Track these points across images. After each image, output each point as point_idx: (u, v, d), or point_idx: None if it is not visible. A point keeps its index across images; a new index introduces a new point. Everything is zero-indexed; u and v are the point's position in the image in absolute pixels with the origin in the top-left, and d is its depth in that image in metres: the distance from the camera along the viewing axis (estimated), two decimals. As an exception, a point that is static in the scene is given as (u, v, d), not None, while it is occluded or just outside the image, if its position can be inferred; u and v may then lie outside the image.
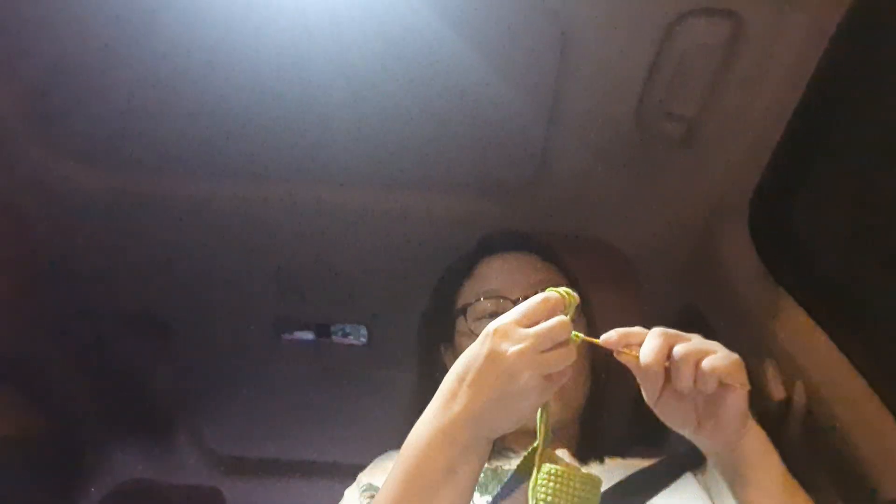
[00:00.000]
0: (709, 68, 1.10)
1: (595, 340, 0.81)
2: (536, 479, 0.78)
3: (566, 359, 0.78)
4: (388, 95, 1.23)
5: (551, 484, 0.77)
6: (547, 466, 0.78)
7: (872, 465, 1.05)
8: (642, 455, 1.14)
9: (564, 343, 0.78)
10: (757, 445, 0.83)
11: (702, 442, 0.84)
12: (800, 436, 1.19)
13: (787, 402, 1.20)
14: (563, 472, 0.78)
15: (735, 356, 0.79)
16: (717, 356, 0.77)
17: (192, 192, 1.46)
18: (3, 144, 1.36)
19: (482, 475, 1.05)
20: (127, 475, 2.06)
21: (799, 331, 1.20)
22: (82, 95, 1.27)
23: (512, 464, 1.10)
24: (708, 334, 1.40)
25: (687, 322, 1.46)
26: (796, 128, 1.15)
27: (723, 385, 0.77)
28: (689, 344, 0.78)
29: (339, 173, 1.40)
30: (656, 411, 0.83)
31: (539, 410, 0.83)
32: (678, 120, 1.19)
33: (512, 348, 0.77)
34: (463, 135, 1.30)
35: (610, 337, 0.80)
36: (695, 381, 0.76)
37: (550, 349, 0.77)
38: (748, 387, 0.79)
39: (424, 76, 1.19)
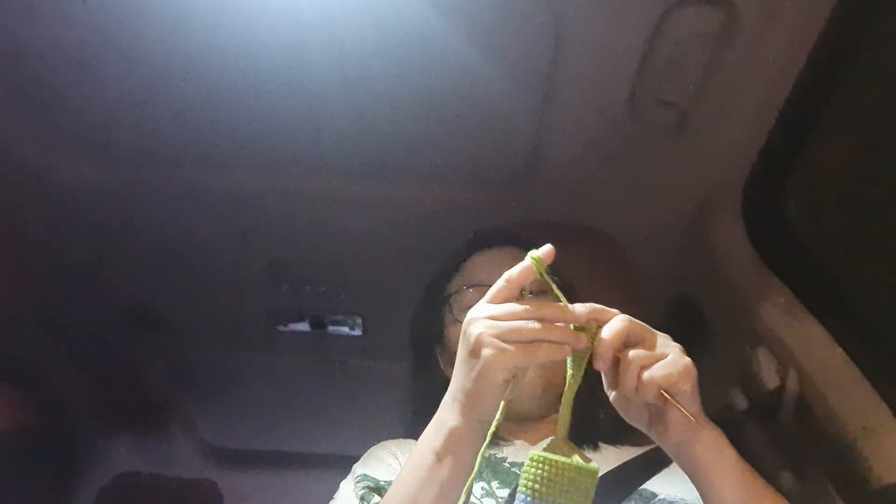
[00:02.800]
0: (702, 57, 1.10)
1: (568, 304, 0.78)
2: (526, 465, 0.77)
3: (529, 330, 0.75)
4: (382, 86, 1.23)
5: (534, 470, 0.76)
6: (532, 453, 0.76)
7: (864, 451, 1.05)
8: (635, 442, 1.15)
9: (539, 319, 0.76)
10: (709, 452, 0.81)
11: (658, 440, 0.83)
12: (791, 422, 1.20)
13: (780, 389, 1.21)
14: (548, 459, 0.76)
15: (684, 364, 0.77)
16: (660, 366, 0.76)
17: (187, 184, 1.45)
18: (-3, 139, 1.35)
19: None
20: (122, 468, 2.07)
21: (792, 318, 1.20)
22: (76, 89, 1.26)
23: (504, 451, 1.10)
24: (701, 322, 1.41)
25: (680, 309, 1.47)
26: (789, 116, 1.15)
27: (665, 396, 0.76)
28: (639, 350, 0.77)
29: (334, 164, 1.40)
30: (614, 404, 0.83)
31: (563, 400, 0.80)
32: (671, 108, 1.19)
33: (467, 318, 0.78)
34: (457, 124, 1.30)
35: (580, 310, 0.78)
36: (637, 388, 0.76)
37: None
38: (692, 401, 0.77)
39: (418, 66, 1.19)
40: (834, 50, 1.07)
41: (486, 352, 0.75)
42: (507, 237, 1.29)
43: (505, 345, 0.75)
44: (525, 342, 0.76)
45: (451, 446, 0.80)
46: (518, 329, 0.76)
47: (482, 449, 0.80)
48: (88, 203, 1.50)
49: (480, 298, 1.16)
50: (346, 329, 1.88)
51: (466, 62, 1.16)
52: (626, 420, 0.83)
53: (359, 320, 1.85)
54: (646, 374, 0.75)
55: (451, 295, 1.21)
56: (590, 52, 1.13)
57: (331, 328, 1.88)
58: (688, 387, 0.76)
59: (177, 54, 1.18)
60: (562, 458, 0.76)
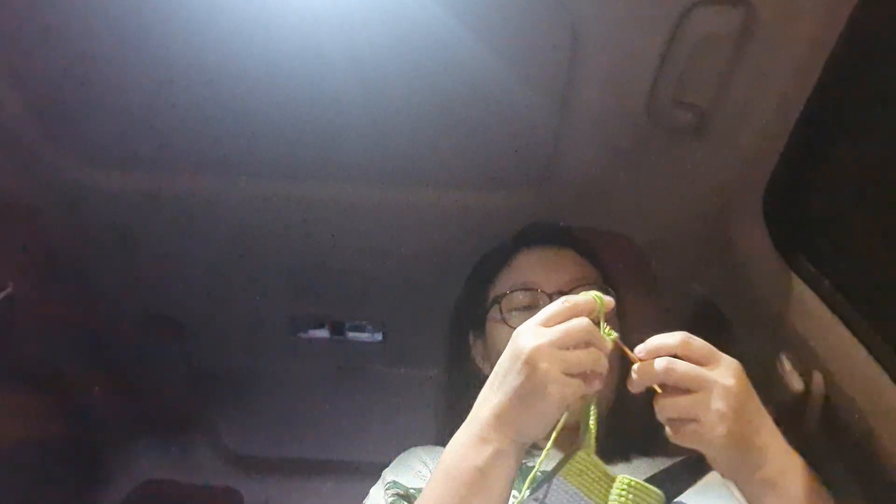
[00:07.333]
0: (721, 58, 1.09)
1: (630, 354, 0.83)
2: (609, 492, 0.80)
3: (589, 360, 0.78)
4: (399, 92, 1.23)
5: (631, 496, 0.79)
6: (624, 478, 0.81)
7: (892, 455, 1.04)
8: (668, 453, 1.14)
9: (591, 345, 0.79)
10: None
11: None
12: (818, 427, 1.18)
13: (805, 393, 1.20)
14: (639, 485, 0.80)
15: (718, 408, 0.81)
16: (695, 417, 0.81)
17: (206, 191, 1.46)
18: (16, 146, 1.37)
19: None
20: (146, 476, 2.08)
21: (816, 321, 1.19)
22: (94, 96, 1.27)
23: (535, 460, 1.10)
24: (724, 325, 1.39)
25: (702, 313, 1.46)
26: (810, 116, 1.14)
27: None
28: (676, 400, 0.81)
29: (352, 171, 1.40)
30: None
31: (589, 411, 0.84)
32: (690, 111, 1.19)
33: (530, 344, 0.78)
34: (475, 130, 1.30)
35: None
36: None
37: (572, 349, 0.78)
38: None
39: (435, 72, 1.19)
40: (856, 49, 1.06)
41: (553, 388, 0.77)
42: (556, 235, 1.29)
43: (570, 379, 0.77)
44: (586, 372, 0.78)
45: (496, 465, 0.80)
46: (583, 361, 0.78)
47: (537, 466, 0.83)
48: (110, 211, 1.51)
49: (529, 299, 1.18)
50: (366, 335, 1.89)
51: (484, 67, 1.15)
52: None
53: (379, 326, 1.85)
54: (672, 432, 0.81)
55: (501, 296, 1.22)
56: (608, 54, 1.12)
57: (350, 334, 1.88)
58: (724, 430, 0.80)
59: (196, 64, 1.19)
60: (652, 489, 0.81)
